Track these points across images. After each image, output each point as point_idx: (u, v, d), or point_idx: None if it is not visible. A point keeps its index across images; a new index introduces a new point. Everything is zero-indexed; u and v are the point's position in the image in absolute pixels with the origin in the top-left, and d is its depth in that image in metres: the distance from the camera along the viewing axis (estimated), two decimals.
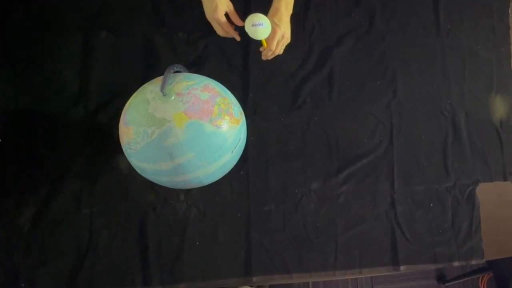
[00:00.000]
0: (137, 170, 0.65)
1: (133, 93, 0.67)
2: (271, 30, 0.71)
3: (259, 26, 0.68)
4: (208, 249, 0.84)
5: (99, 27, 0.89)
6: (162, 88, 0.56)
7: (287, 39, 0.76)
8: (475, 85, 0.99)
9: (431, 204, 0.93)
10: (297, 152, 0.90)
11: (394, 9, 0.98)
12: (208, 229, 0.85)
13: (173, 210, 0.85)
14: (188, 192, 0.86)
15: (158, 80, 0.63)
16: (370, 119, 0.94)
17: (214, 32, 0.90)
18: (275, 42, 0.74)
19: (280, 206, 0.88)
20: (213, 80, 0.68)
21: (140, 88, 0.64)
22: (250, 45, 0.91)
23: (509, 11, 1.04)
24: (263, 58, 0.78)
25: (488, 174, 0.97)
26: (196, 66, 0.89)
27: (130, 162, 0.64)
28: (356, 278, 0.91)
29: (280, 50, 0.77)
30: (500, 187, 0.98)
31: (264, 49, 0.76)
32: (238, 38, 0.76)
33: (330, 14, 0.96)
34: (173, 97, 0.58)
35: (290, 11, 0.75)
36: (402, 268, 0.90)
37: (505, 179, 0.98)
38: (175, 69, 0.61)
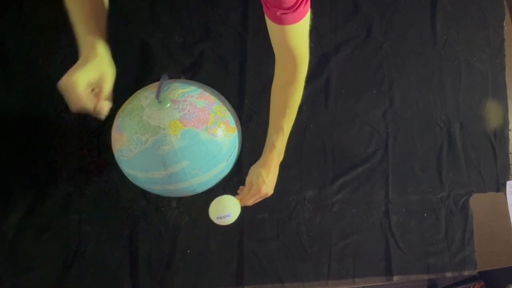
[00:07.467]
0: (129, 177, 0.63)
1: (127, 97, 0.65)
2: (255, 186, 0.61)
3: (225, 218, 0.58)
4: (200, 257, 0.83)
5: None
6: (158, 96, 0.54)
7: (267, 195, 0.66)
8: (470, 96, 1.00)
9: (425, 214, 0.93)
10: (292, 160, 0.89)
11: (392, 19, 0.99)
12: (200, 237, 0.83)
13: (165, 217, 0.83)
14: (180, 199, 0.84)
15: (153, 86, 0.62)
16: (366, 128, 0.94)
17: (210, 37, 0.89)
18: (253, 199, 0.64)
19: (274, 214, 0.87)
20: (209, 87, 0.66)
21: (135, 94, 0.63)
22: (247, 51, 0.90)
23: (504, 23, 1.05)
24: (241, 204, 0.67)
25: (482, 184, 0.98)
26: (192, 71, 0.88)
27: (122, 169, 0.62)
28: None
29: (252, 203, 0.66)
30: (493, 198, 0.98)
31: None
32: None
33: (329, 22, 0.96)
34: (168, 105, 0.56)
35: (281, 159, 0.66)
36: (395, 278, 0.89)
37: (498, 190, 0.98)
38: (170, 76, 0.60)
